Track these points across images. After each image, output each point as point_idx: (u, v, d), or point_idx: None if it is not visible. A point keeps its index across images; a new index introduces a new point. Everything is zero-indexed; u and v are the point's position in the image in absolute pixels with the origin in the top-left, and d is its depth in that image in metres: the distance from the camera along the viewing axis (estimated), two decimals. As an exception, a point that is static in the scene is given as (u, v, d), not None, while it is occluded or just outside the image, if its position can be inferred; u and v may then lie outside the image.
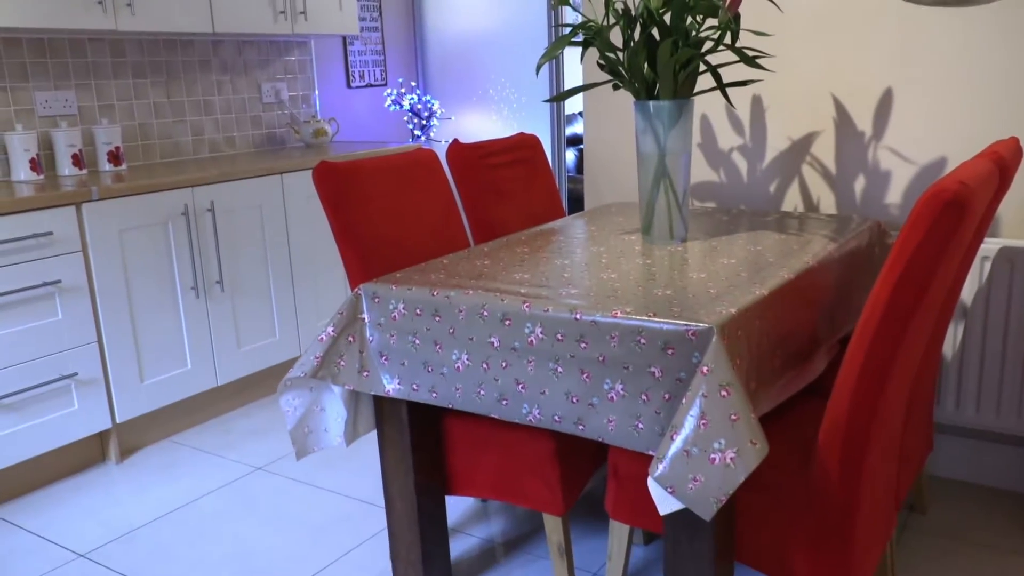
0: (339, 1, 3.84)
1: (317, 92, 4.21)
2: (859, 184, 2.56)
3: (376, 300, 1.81)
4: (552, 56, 1.96)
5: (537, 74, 1.97)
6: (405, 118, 4.58)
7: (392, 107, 4.54)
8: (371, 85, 4.54)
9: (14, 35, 2.99)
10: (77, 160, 3.08)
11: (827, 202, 2.62)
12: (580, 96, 5.23)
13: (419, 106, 4.47)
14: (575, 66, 5.15)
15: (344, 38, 4.35)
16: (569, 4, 2.01)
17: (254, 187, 3.23)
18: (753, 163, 2.72)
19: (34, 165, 2.96)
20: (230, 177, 3.14)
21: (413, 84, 4.76)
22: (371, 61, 4.53)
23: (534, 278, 1.81)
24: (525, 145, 2.73)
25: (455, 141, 2.50)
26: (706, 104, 2.77)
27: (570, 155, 5.74)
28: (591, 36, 1.98)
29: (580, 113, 5.89)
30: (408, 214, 2.23)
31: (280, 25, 3.59)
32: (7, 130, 3.02)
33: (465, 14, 4.61)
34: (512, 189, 2.62)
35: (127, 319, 2.85)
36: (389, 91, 4.59)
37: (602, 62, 2.09)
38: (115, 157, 3.22)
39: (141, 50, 3.43)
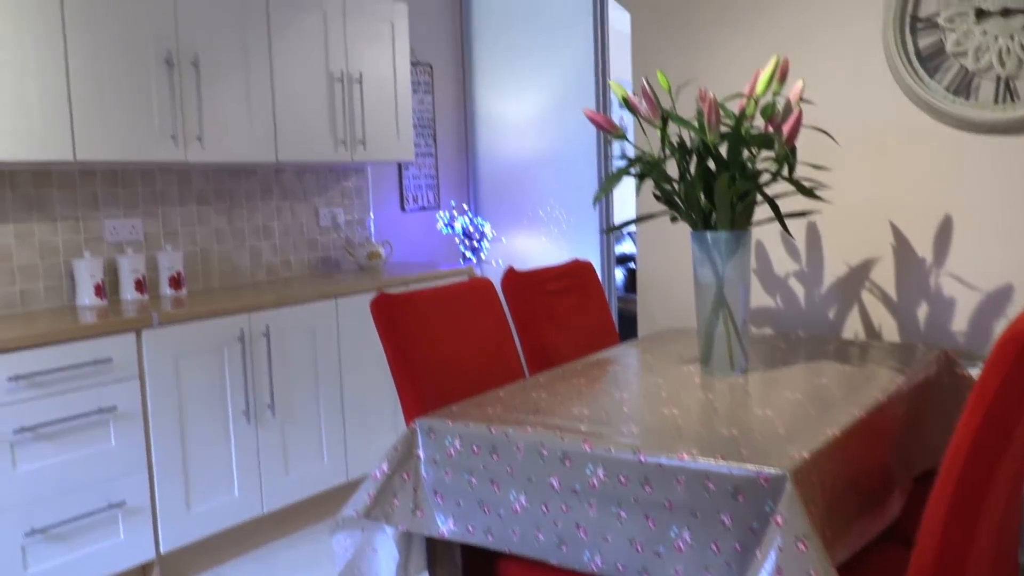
0: (396, 129, 3.97)
1: (372, 215, 4.31)
2: (921, 311, 2.50)
3: (432, 435, 1.78)
4: (608, 190, 1.97)
5: (595, 206, 1.99)
6: (457, 240, 4.65)
7: (445, 229, 4.62)
8: (424, 208, 4.64)
9: (91, 168, 3.13)
10: (140, 285, 3.16)
11: (888, 329, 2.55)
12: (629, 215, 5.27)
13: (470, 228, 4.55)
14: (624, 190, 5.22)
15: (400, 164, 4.48)
16: (625, 138, 2.04)
17: (309, 311, 3.27)
18: (810, 288, 2.68)
19: (98, 290, 3.04)
20: (286, 302, 3.18)
21: (465, 207, 4.85)
22: (425, 185, 4.64)
23: (593, 413, 1.76)
24: (578, 272, 2.73)
25: (510, 269, 2.52)
26: (761, 229, 2.76)
27: (619, 273, 5.75)
28: (648, 169, 2.00)
29: (630, 234, 5.94)
30: (464, 343, 2.22)
31: (340, 153, 3.71)
32: (76, 256, 3.12)
33: (516, 138, 4.73)
34: (566, 315, 2.61)
35: (178, 445, 2.85)
36: (442, 213, 4.68)
37: (658, 193, 2.10)
38: (176, 281, 3.30)
39: (207, 178, 3.57)
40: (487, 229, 4.57)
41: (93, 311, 2.90)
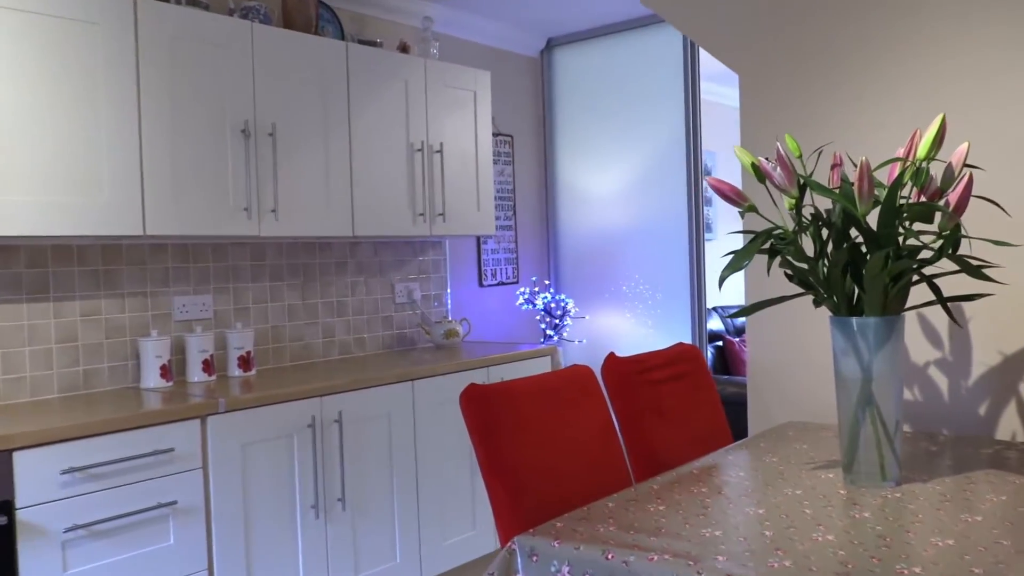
0: (477, 202, 3.79)
1: (449, 291, 4.11)
2: (1096, 408, 2.13)
3: (534, 559, 1.49)
4: (737, 268, 1.70)
5: (720, 288, 1.71)
6: (538, 317, 4.40)
7: (525, 306, 4.38)
8: (503, 283, 4.42)
9: (162, 242, 3.00)
10: (207, 366, 2.98)
11: (1056, 429, 2.18)
12: (716, 290, 4.95)
13: (552, 304, 4.30)
14: (711, 258, 4.92)
15: (478, 237, 4.29)
16: (756, 211, 1.77)
17: (384, 395, 3.04)
18: (955, 380, 2.33)
19: (164, 372, 2.87)
20: (360, 384, 2.96)
21: (546, 282, 4.62)
22: (503, 259, 4.43)
23: (729, 536, 1.46)
24: (686, 358, 2.44)
25: (611, 356, 2.24)
26: (892, 312, 2.43)
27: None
28: (782, 246, 1.72)
29: (715, 308, 5.60)
30: (564, 440, 1.94)
31: (419, 227, 3.53)
32: (143, 335, 2.96)
33: (599, 212, 4.50)
34: (673, 408, 2.31)
35: (241, 543, 2.60)
36: (522, 289, 4.45)
37: (790, 272, 1.81)
38: (245, 362, 3.11)
39: (280, 253, 3.41)
40: (570, 306, 4.32)
41: (158, 394, 2.72)
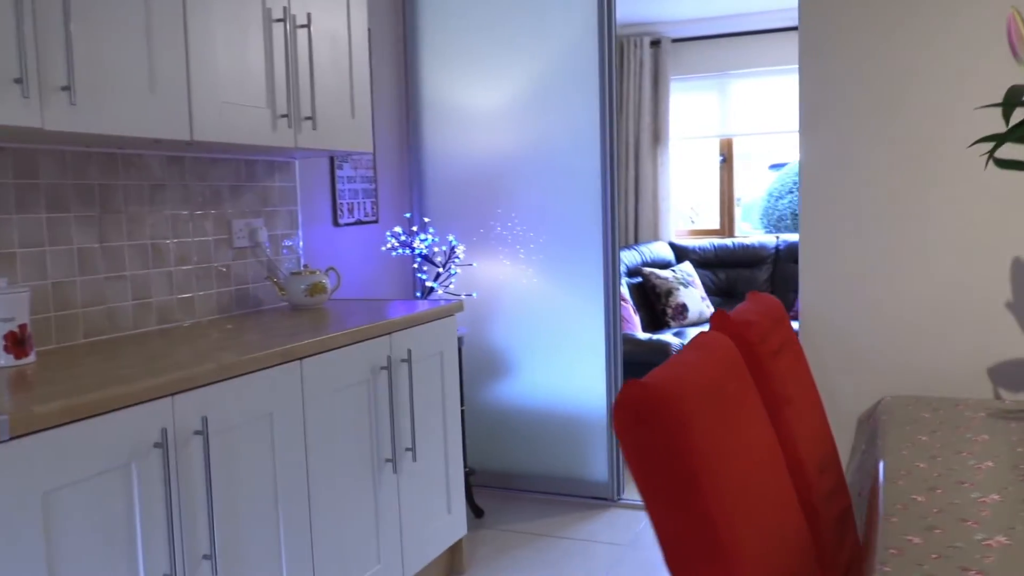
0: (351, 106, 2.73)
1: (301, 231, 3.02)
2: None
3: None
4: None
5: (986, 165, 0.93)
6: (416, 264, 3.42)
7: (400, 250, 3.37)
8: (361, 222, 3.38)
9: None
10: (-48, 352, 1.74)
11: None
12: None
13: (436, 249, 3.34)
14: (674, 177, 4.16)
15: (332, 159, 3.21)
16: None
17: (263, 384, 1.97)
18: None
19: None
20: (230, 373, 1.87)
21: (426, 220, 3.63)
22: (361, 191, 3.39)
23: None
24: (778, 317, 1.65)
25: (723, 317, 1.40)
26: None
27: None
28: None
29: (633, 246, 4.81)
30: (741, 453, 1.08)
31: (281, 135, 2.42)
32: None
33: (480, 132, 3.58)
34: (796, 394, 1.51)
35: (51, 663, 1.47)
36: (398, 229, 3.43)
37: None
38: (17, 343, 1.89)
39: (63, 167, 2.16)
40: (459, 251, 3.38)
41: None
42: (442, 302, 2.78)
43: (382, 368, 2.42)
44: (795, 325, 2.19)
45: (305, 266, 2.82)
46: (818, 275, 1.98)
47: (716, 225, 6.18)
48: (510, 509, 3.41)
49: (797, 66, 2.02)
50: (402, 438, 2.51)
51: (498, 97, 3.54)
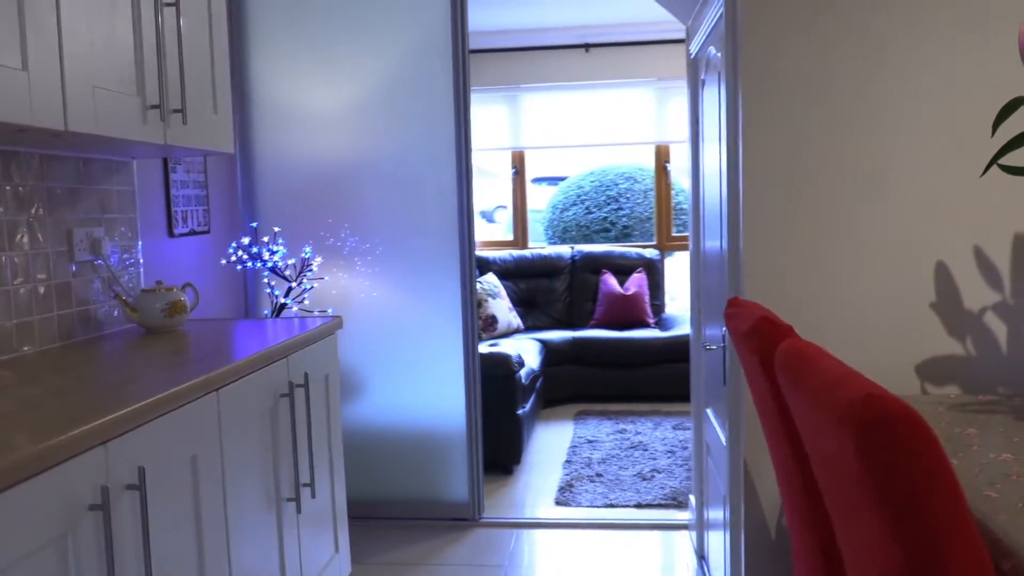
0: (213, 99, 2.40)
1: (140, 243, 2.60)
2: None
3: None
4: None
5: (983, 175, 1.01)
6: (265, 278, 3.08)
7: (248, 264, 3.01)
8: (195, 232, 2.99)
9: None
10: None
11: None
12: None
13: (290, 261, 3.03)
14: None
15: (165, 161, 2.81)
16: None
17: (184, 421, 1.65)
18: (1017, 328, 1.97)
19: None
20: (157, 412, 1.54)
21: (276, 230, 3.27)
22: (194, 198, 3.00)
23: None
24: (776, 321, 1.66)
25: (768, 321, 1.38)
26: (938, 233, 1.98)
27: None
28: None
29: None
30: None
31: (151, 128, 2.06)
32: None
33: (317, 135, 3.32)
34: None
35: None
36: (245, 241, 3.06)
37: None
38: None
39: None
40: (315, 264, 3.09)
41: None
42: (313, 320, 2.53)
43: (282, 395, 2.14)
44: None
45: (158, 282, 2.42)
46: (757, 279, 2.04)
47: (511, 236, 6.28)
48: (373, 539, 3.18)
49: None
50: (302, 473, 2.24)
51: (344, 96, 3.31)
